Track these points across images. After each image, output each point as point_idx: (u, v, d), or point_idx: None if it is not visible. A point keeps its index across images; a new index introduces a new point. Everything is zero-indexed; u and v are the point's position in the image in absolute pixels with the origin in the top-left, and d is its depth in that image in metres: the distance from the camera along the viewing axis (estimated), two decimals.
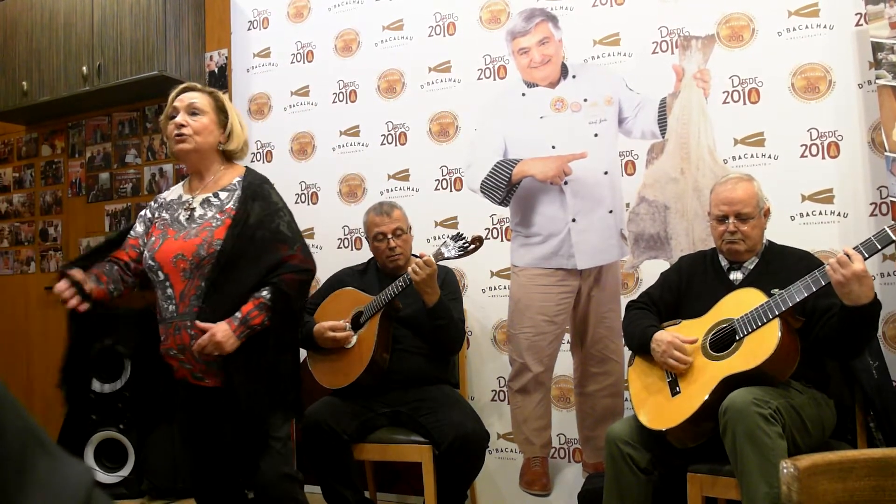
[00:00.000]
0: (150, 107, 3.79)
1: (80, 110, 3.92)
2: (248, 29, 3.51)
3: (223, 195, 1.97)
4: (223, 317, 1.84)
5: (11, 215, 4.26)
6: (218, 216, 1.92)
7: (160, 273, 1.90)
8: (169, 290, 1.90)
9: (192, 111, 1.96)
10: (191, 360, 1.89)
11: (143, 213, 2.08)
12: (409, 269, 2.36)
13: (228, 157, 2.06)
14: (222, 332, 1.81)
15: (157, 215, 2.03)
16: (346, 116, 3.25)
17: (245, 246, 1.87)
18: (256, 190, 1.97)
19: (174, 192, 2.07)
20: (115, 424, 3.29)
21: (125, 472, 3.28)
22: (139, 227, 2.05)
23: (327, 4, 3.32)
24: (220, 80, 3.58)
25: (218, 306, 1.84)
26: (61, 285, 1.84)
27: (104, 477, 3.25)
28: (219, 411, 1.88)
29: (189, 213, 1.96)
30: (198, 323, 1.83)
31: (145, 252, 1.96)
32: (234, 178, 2.00)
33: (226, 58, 3.58)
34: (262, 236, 1.89)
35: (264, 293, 1.87)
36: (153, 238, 1.96)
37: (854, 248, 1.79)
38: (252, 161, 3.39)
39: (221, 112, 2.02)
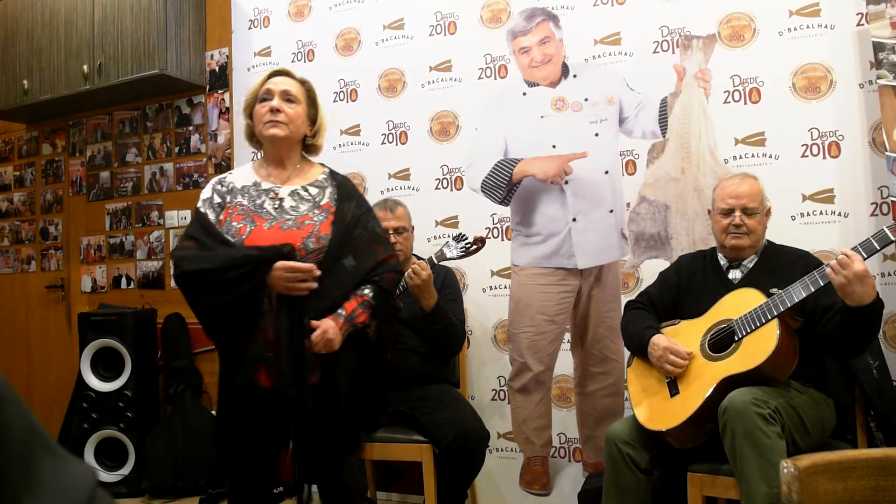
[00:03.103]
0: (151, 105, 3.80)
1: (80, 109, 3.92)
2: (249, 28, 3.51)
3: (313, 190, 1.90)
4: (325, 313, 1.77)
5: (12, 214, 4.26)
6: (316, 211, 1.85)
7: None
8: None
9: (288, 98, 1.89)
10: (278, 355, 1.76)
11: (208, 198, 1.89)
12: (406, 273, 2.37)
13: (307, 151, 1.99)
14: (333, 329, 1.75)
15: (228, 199, 1.88)
16: (347, 115, 3.24)
17: (346, 243, 1.83)
18: (350, 190, 1.94)
19: (244, 177, 1.93)
20: (116, 423, 3.29)
21: (125, 470, 3.28)
22: (212, 216, 1.87)
23: (328, 3, 3.32)
24: (220, 78, 3.58)
25: (321, 302, 1.77)
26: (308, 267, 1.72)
27: (105, 476, 3.26)
28: (288, 411, 1.76)
29: (277, 202, 1.85)
30: (313, 322, 1.74)
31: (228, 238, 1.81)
32: (319, 174, 1.94)
33: (227, 56, 3.58)
34: (360, 235, 1.86)
35: (367, 291, 1.83)
36: (235, 224, 1.82)
37: (853, 249, 1.79)
38: (253, 160, 3.38)
39: (312, 104, 1.96)
